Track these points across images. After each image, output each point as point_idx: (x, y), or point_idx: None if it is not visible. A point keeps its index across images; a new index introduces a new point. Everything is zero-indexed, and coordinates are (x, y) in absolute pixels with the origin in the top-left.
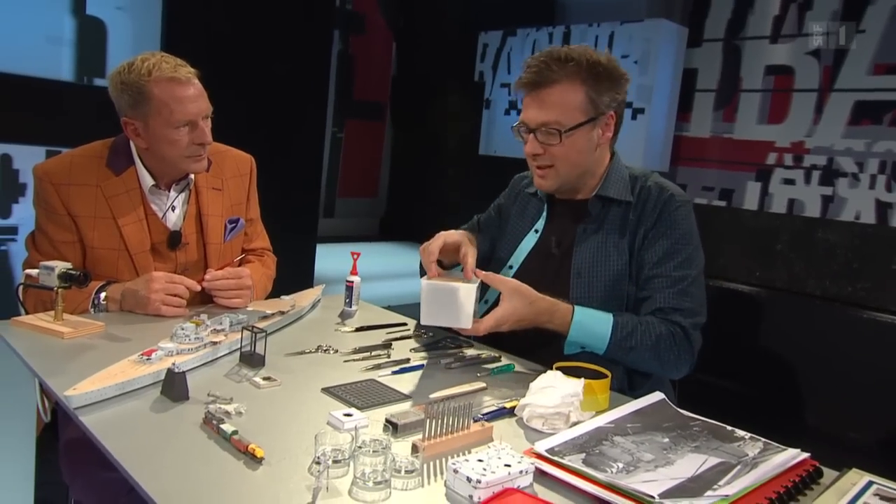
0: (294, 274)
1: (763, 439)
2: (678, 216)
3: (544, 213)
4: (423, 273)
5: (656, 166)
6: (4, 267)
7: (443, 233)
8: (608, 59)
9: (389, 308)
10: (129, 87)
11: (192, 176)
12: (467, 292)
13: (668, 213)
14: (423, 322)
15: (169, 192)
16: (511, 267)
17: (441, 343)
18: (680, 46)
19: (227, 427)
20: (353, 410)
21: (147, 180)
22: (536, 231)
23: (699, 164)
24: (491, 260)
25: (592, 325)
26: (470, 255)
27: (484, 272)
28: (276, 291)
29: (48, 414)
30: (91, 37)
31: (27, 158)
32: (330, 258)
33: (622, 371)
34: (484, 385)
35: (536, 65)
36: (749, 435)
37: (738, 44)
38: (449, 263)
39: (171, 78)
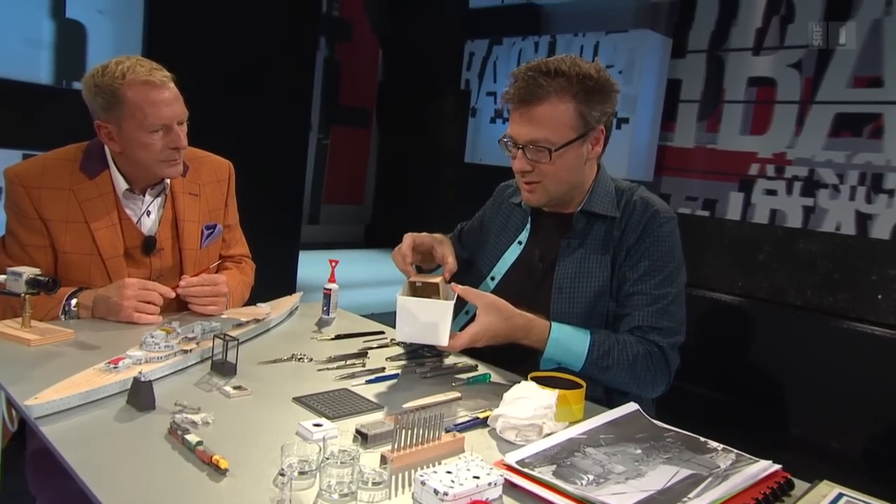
0: (276, 281)
1: (735, 451)
2: (662, 233)
3: (528, 226)
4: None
5: (640, 176)
6: None
7: (409, 234)
8: (598, 70)
9: (372, 316)
10: (103, 90)
11: (168, 181)
12: (444, 309)
13: (651, 229)
14: (398, 339)
15: (144, 196)
16: (493, 278)
17: (418, 352)
18: (664, 57)
19: (192, 437)
20: (323, 420)
21: (121, 184)
22: (520, 243)
23: (683, 174)
24: (471, 270)
25: (569, 342)
26: (449, 255)
27: (461, 287)
28: (258, 298)
29: (14, 423)
30: (70, 40)
31: (3, 162)
32: (314, 265)
33: (601, 389)
34: (459, 395)
35: (525, 79)
36: (721, 446)
37: (721, 55)
38: (427, 269)
39: (145, 81)
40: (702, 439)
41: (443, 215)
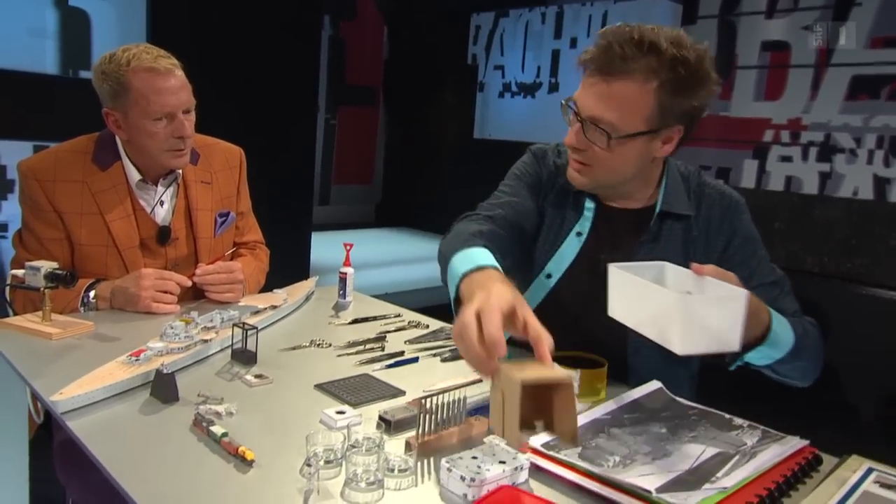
0: (289, 263)
1: (762, 427)
2: (745, 221)
3: (591, 216)
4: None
5: None
6: None
7: (493, 301)
8: (700, 58)
9: (386, 296)
10: (109, 77)
11: (180, 170)
12: (739, 305)
13: (737, 223)
14: (681, 351)
15: (157, 186)
16: (549, 276)
17: (436, 334)
18: (675, 24)
19: (217, 429)
20: (345, 408)
21: (134, 175)
22: (579, 234)
23: (695, 142)
24: (523, 264)
25: (782, 325)
26: (535, 322)
27: (710, 266)
28: (272, 281)
29: (41, 415)
30: (75, 28)
31: (14, 154)
32: (326, 246)
33: (685, 379)
34: (479, 377)
35: (610, 43)
36: (747, 423)
37: (733, 20)
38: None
39: (149, 68)
40: (727, 416)
41: (453, 192)
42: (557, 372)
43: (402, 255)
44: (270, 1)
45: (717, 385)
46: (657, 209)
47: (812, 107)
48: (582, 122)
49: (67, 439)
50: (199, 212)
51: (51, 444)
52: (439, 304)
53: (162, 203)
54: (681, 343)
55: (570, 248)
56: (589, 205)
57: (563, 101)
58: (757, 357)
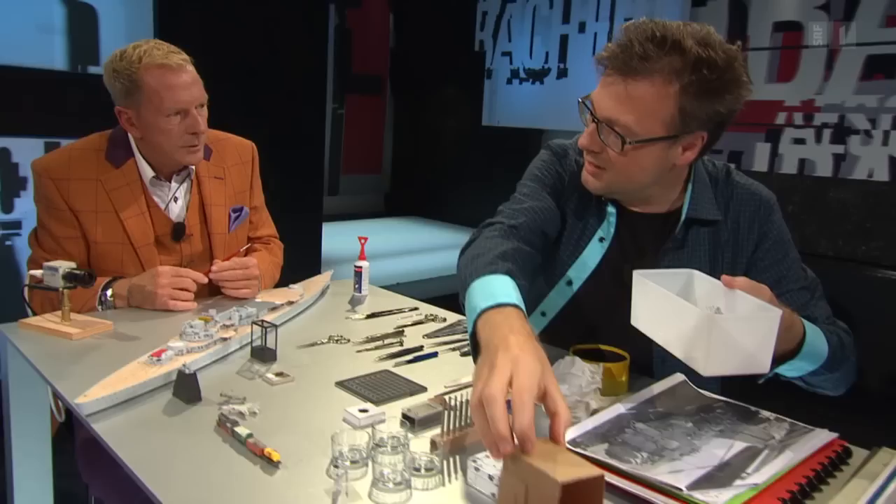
0: (301, 254)
1: (789, 420)
2: (776, 221)
3: (614, 221)
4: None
5: None
6: (10, 262)
7: (525, 382)
8: (728, 57)
9: (398, 286)
10: (121, 75)
11: (194, 166)
12: (771, 324)
13: (768, 224)
14: (706, 373)
15: (170, 182)
16: (570, 283)
17: (454, 328)
18: (685, 6)
19: (242, 430)
20: (368, 405)
21: (147, 172)
22: (602, 240)
23: None
24: (543, 269)
25: (816, 337)
26: (562, 412)
27: (741, 279)
28: (284, 272)
29: (62, 414)
30: (82, 24)
31: (25, 151)
32: (337, 237)
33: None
34: None
35: (630, 41)
36: (774, 416)
37: (744, 1)
38: None
39: (161, 65)
40: (752, 409)
41: (462, 180)
42: (592, 469)
43: (413, 244)
44: None
45: (747, 383)
46: (683, 216)
47: (826, 88)
48: (597, 123)
49: (90, 438)
50: (213, 207)
51: (73, 441)
52: (451, 293)
53: (176, 199)
54: (706, 364)
55: (592, 255)
56: (611, 209)
57: (579, 100)
58: (788, 370)
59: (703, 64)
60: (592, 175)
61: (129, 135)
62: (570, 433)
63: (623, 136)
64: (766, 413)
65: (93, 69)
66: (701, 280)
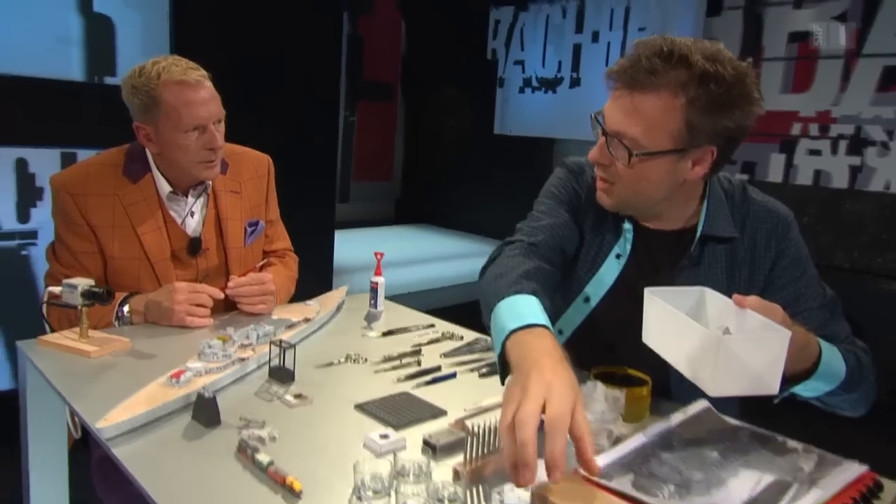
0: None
1: (817, 450)
2: (794, 239)
3: (630, 237)
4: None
5: None
6: (27, 272)
7: (559, 409)
8: (738, 73)
9: (409, 295)
10: (140, 91)
11: (210, 180)
12: (782, 344)
13: (786, 242)
14: (713, 394)
15: (187, 197)
16: (588, 300)
17: (471, 346)
18: (699, 15)
19: (263, 457)
20: (388, 431)
21: (164, 187)
22: (619, 257)
23: None
24: (560, 286)
25: (833, 357)
26: (588, 441)
27: (752, 298)
28: (298, 283)
29: (78, 431)
30: (99, 35)
31: (42, 161)
32: (348, 244)
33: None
34: None
35: (639, 56)
36: (802, 445)
37: (759, 10)
38: None
39: (180, 81)
40: (779, 438)
41: (473, 188)
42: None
43: (424, 252)
44: (292, 1)
45: (765, 400)
46: (698, 232)
47: (842, 99)
48: (606, 136)
49: (105, 455)
50: (229, 221)
51: (89, 454)
52: (464, 302)
53: (192, 214)
54: (713, 385)
55: (609, 272)
56: (627, 226)
57: (592, 115)
58: (804, 389)
59: (710, 78)
60: (604, 191)
61: (147, 150)
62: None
63: (630, 147)
64: (793, 443)
65: (109, 80)
66: (713, 298)
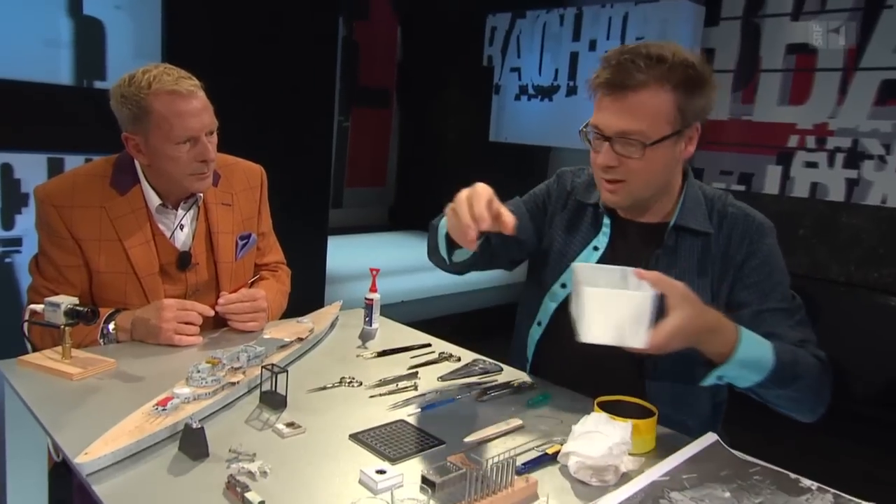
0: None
1: (832, 491)
2: (769, 244)
3: (607, 230)
4: (434, 232)
5: None
6: (10, 280)
7: (479, 190)
8: (698, 58)
9: (402, 304)
10: (129, 100)
11: (202, 193)
12: (643, 301)
13: (758, 244)
14: (583, 339)
15: (176, 210)
16: (564, 286)
17: (469, 368)
18: (697, 26)
19: (253, 497)
20: (385, 465)
21: (153, 199)
22: (596, 249)
23: (717, 147)
24: (535, 261)
25: (757, 347)
26: (507, 213)
27: (651, 273)
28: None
29: (59, 454)
30: (89, 38)
31: (28, 167)
32: (340, 250)
33: (708, 404)
34: (520, 422)
35: (621, 62)
36: (816, 485)
37: (757, 22)
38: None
39: (171, 91)
40: (792, 476)
41: None
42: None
43: (418, 260)
44: (286, 5)
45: (737, 397)
46: (672, 222)
47: (839, 111)
48: (609, 139)
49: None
50: (220, 235)
51: (70, 480)
52: (457, 312)
53: (182, 227)
54: (582, 330)
55: (585, 261)
56: (606, 221)
57: (581, 130)
58: (733, 377)
59: (686, 65)
60: (613, 192)
61: (136, 161)
62: (604, 503)
63: (641, 140)
64: (806, 481)
65: (99, 84)
66: (632, 277)
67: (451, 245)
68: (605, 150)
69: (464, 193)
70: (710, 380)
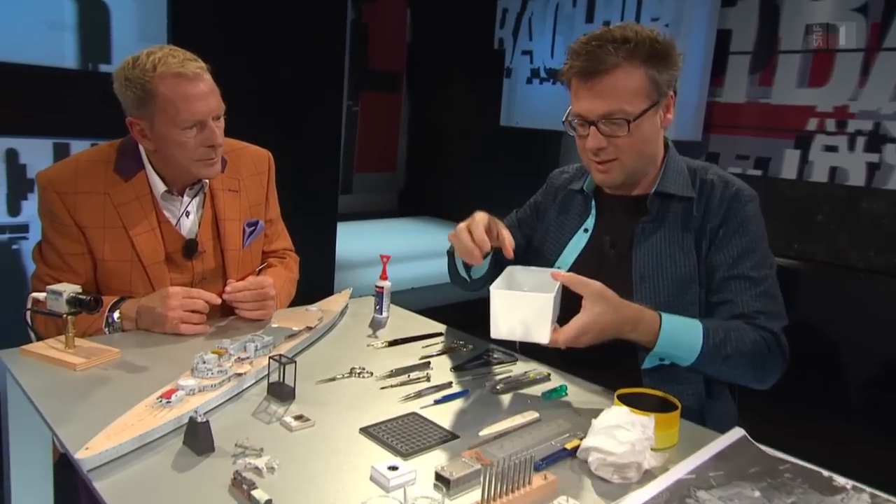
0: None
1: (868, 490)
2: (748, 212)
3: (593, 211)
4: (451, 259)
5: (688, 135)
6: (17, 266)
7: (477, 218)
8: (659, 34)
9: (413, 291)
10: (134, 83)
11: (209, 179)
12: (545, 302)
13: (736, 209)
14: (493, 336)
15: (182, 196)
16: (558, 269)
17: (483, 357)
18: (714, 6)
19: (260, 495)
20: (397, 461)
21: (159, 185)
22: (586, 230)
23: (733, 131)
24: (527, 259)
25: (682, 333)
26: (507, 235)
27: (564, 273)
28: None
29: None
30: (94, 20)
31: (33, 152)
32: (350, 236)
33: (701, 383)
34: (537, 415)
35: (590, 50)
36: (851, 484)
37: (776, 1)
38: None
39: (177, 73)
40: (825, 474)
41: (478, 180)
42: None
43: (428, 245)
44: None
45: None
46: (653, 189)
47: (861, 94)
48: (594, 123)
49: None
50: (227, 222)
51: (75, 472)
52: (468, 300)
53: (188, 214)
54: (492, 328)
55: (576, 243)
56: (592, 202)
57: (564, 121)
58: (672, 358)
59: (651, 40)
60: (606, 171)
61: (140, 146)
62: (628, 503)
63: (626, 118)
64: (840, 479)
65: (104, 67)
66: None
67: (467, 265)
68: (592, 133)
69: (463, 224)
70: (650, 362)
